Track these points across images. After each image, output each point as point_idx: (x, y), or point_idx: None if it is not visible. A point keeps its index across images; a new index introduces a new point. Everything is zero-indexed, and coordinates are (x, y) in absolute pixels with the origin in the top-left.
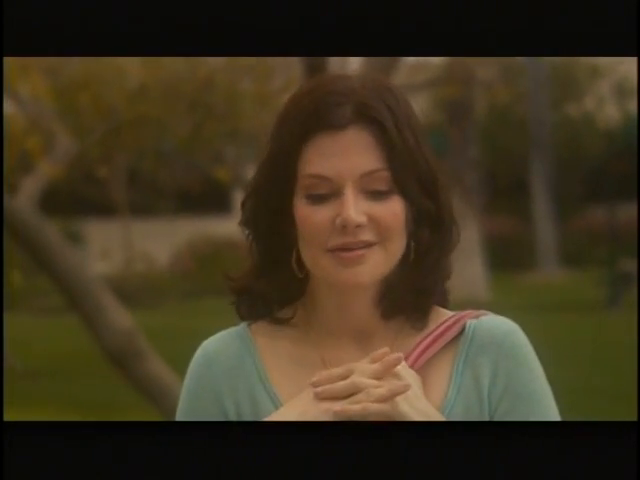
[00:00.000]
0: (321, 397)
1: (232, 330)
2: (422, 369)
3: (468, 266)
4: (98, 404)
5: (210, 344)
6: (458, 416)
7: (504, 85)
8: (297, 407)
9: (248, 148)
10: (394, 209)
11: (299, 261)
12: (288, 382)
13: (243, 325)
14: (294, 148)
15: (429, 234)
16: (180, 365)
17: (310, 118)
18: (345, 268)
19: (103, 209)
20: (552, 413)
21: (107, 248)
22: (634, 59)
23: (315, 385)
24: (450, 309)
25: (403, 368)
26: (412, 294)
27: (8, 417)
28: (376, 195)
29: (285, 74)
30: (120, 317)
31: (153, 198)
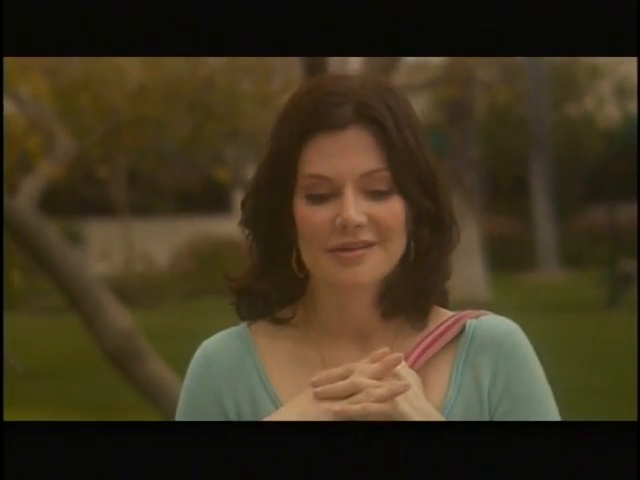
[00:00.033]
0: (321, 397)
1: (232, 330)
2: (422, 369)
3: (468, 266)
4: (98, 404)
5: (210, 344)
6: (458, 416)
7: (504, 85)
8: (297, 407)
9: (248, 148)
10: (394, 209)
11: (299, 261)
12: (288, 382)
13: (243, 325)
14: (294, 148)
15: (429, 234)
16: (180, 365)
17: (310, 118)
18: (345, 268)
19: (103, 209)
20: (552, 413)
21: (107, 248)
22: (634, 59)
23: (315, 385)
24: (450, 309)
25: (403, 368)
26: (412, 294)
27: (8, 417)
28: (376, 195)
29: (285, 74)
30: (120, 317)
31: (153, 198)
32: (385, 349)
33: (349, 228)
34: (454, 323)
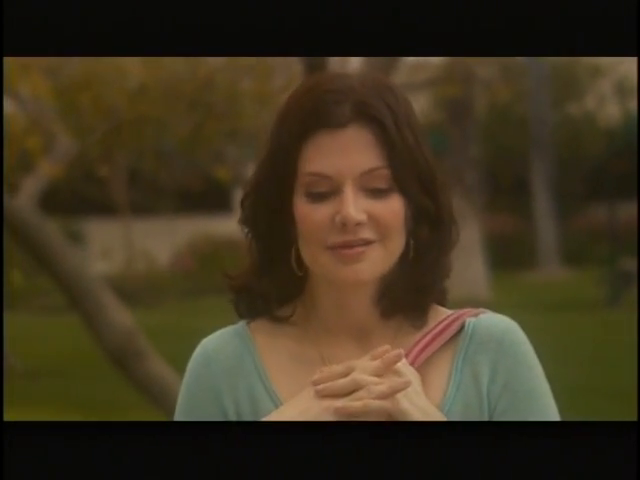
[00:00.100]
0: (322, 395)
1: (231, 328)
2: (421, 367)
3: (469, 265)
4: (98, 404)
5: (209, 342)
6: (457, 414)
7: (504, 84)
8: (298, 405)
9: (248, 147)
10: (394, 207)
11: (298, 259)
12: (287, 380)
13: (242, 323)
14: (294, 146)
15: (428, 232)
16: (181, 364)
17: (310, 116)
18: (345, 265)
19: (103, 208)
20: (551, 411)
21: (107, 247)
22: (634, 59)
23: (316, 383)
24: (451, 308)
25: (403, 365)
26: (411, 292)
27: (8, 417)
28: (376, 193)
29: (285, 74)
30: (120, 316)
31: (153, 197)
32: (386, 347)
33: (349, 226)
34: (453, 321)
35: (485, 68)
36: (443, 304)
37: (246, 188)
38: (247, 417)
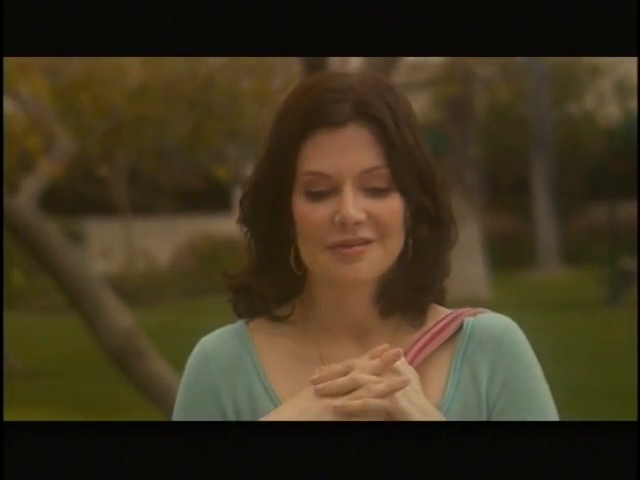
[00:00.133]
0: (322, 394)
1: (230, 327)
2: (420, 366)
3: (469, 264)
4: (98, 403)
5: (208, 341)
6: (456, 413)
7: (504, 83)
8: (298, 405)
9: (248, 147)
10: (393, 206)
11: (297, 258)
12: (286, 379)
13: (241, 323)
14: (293, 145)
15: (427, 232)
16: (181, 364)
17: (309, 115)
18: (344, 264)
19: (104, 208)
20: (550, 411)
21: (108, 247)
22: (634, 59)
23: (315, 382)
24: (451, 307)
25: (402, 364)
26: (410, 291)
27: (8, 417)
28: (375, 192)
29: (285, 73)
30: (120, 316)
31: (154, 197)
32: (385, 345)
33: (348, 225)
34: (452, 321)
35: (485, 68)
36: (442, 303)
37: (245, 187)
38: (246, 416)
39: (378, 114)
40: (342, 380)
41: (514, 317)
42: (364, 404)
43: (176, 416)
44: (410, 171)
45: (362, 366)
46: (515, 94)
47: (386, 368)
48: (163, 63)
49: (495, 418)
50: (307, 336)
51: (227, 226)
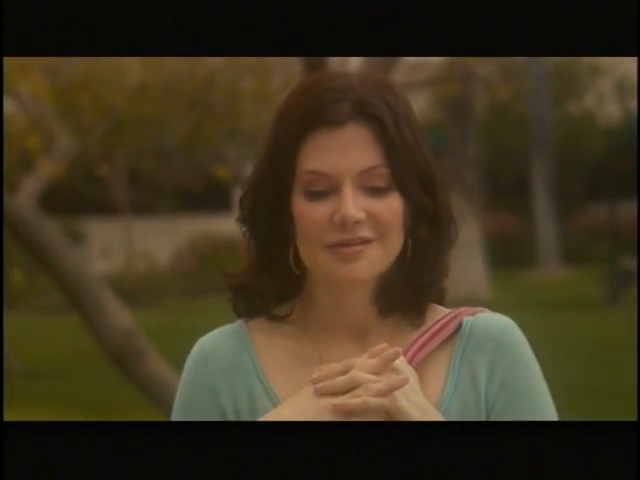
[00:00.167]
0: (321, 393)
1: (229, 327)
2: (419, 366)
3: (469, 264)
4: (98, 403)
5: (207, 341)
6: (455, 413)
7: (504, 83)
8: (297, 404)
9: (248, 147)
10: (392, 206)
11: (296, 258)
12: (285, 379)
13: (240, 322)
14: (292, 145)
15: (427, 231)
16: (181, 364)
17: (308, 115)
18: (344, 264)
19: (104, 208)
20: (549, 410)
21: (108, 247)
22: (634, 59)
23: (314, 381)
24: (451, 307)
25: (401, 363)
26: (409, 291)
27: (8, 417)
28: (375, 192)
29: (285, 73)
30: (120, 316)
31: (153, 197)
32: (384, 345)
33: (348, 224)
34: (451, 320)
35: (485, 68)
36: (441, 303)
37: (245, 187)
38: (245, 416)
39: (378, 113)
40: (341, 379)
41: (514, 317)
42: (363, 403)
43: (175, 416)
44: (410, 170)
45: (361, 365)
46: (515, 94)
47: (385, 367)
48: (163, 63)
49: (494, 418)
50: (306, 335)
51: (227, 226)
